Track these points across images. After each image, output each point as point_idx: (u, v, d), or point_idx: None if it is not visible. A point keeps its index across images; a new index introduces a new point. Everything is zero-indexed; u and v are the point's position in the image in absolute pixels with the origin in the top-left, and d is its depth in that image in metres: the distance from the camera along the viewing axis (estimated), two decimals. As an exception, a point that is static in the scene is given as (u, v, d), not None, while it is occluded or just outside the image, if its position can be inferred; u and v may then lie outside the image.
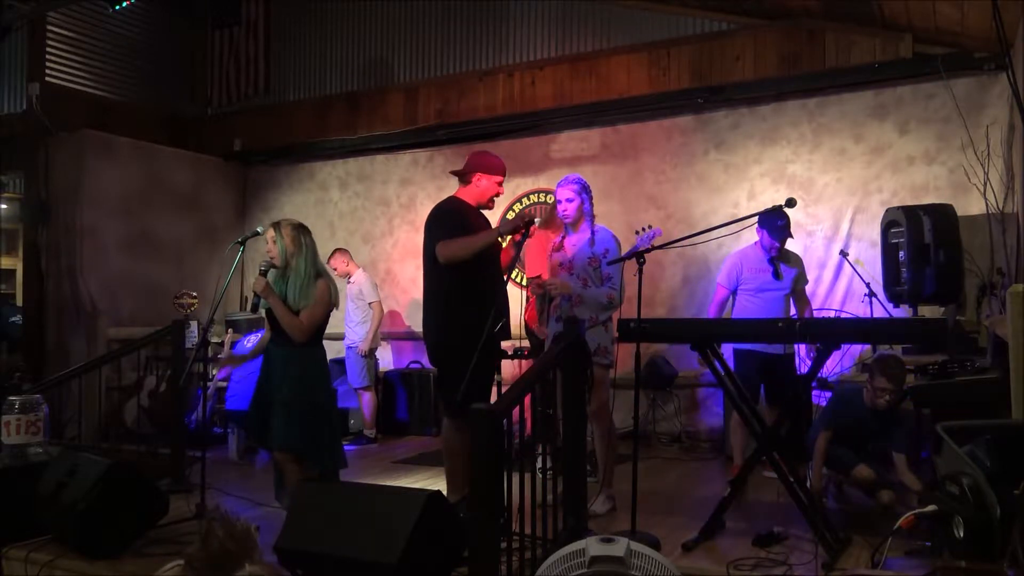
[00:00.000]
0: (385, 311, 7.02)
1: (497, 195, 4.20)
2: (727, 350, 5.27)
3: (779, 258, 4.88)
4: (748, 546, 3.52)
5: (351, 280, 6.69)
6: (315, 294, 3.96)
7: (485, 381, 3.69)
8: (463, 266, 3.88)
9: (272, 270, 4.04)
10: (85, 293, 7.29)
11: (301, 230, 4.05)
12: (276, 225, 4.06)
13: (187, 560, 1.34)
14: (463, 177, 4.17)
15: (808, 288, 6.18)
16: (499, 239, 4.05)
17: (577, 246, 4.23)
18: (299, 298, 3.95)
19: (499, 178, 4.16)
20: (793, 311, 5.02)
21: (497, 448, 2.76)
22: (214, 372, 6.55)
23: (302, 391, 3.94)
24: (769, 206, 3.97)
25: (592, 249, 4.18)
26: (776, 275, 4.83)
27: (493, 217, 7.32)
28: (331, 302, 4.06)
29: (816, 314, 5.98)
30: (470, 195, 4.14)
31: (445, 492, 4.05)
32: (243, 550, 1.36)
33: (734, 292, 4.99)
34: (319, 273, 4.06)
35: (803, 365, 5.72)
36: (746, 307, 4.89)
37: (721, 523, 3.72)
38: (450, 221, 4.00)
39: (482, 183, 4.11)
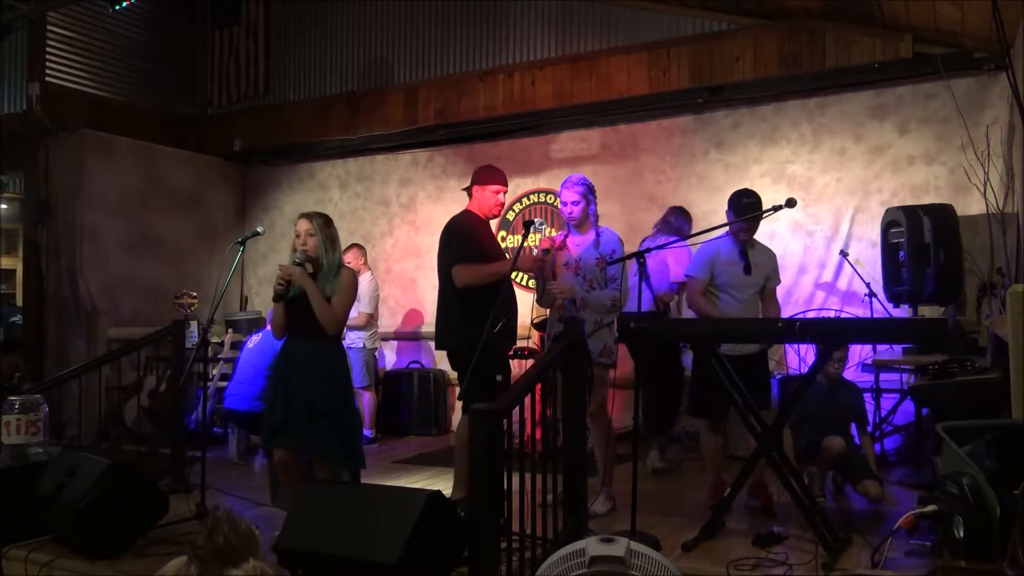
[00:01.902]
0: (379, 313, 7.00)
1: (500, 205, 4.40)
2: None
3: (750, 249, 4.32)
4: (748, 546, 3.52)
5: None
6: (341, 283, 3.83)
7: (490, 380, 3.74)
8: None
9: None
10: (85, 293, 7.29)
11: (331, 222, 3.98)
12: (309, 216, 3.93)
13: (192, 551, 1.34)
14: (469, 191, 4.41)
15: (808, 288, 6.21)
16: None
17: (582, 247, 4.22)
18: (329, 289, 3.82)
19: (497, 187, 4.35)
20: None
21: (497, 448, 2.76)
22: (214, 372, 6.55)
23: (329, 389, 3.79)
24: (769, 206, 3.95)
25: (598, 251, 4.17)
26: (747, 269, 4.29)
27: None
28: (356, 292, 3.99)
29: (816, 314, 6.00)
30: (477, 207, 4.36)
31: (451, 489, 4.07)
32: (247, 546, 1.37)
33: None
34: (342, 263, 3.96)
35: (803, 366, 5.74)
36: (711, 303, 4.39)
37: (721, 523, 3.72)
38: (464, 241, 4.18)
39: (482, 195, 4.33)
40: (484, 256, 4.17)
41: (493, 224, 7.23)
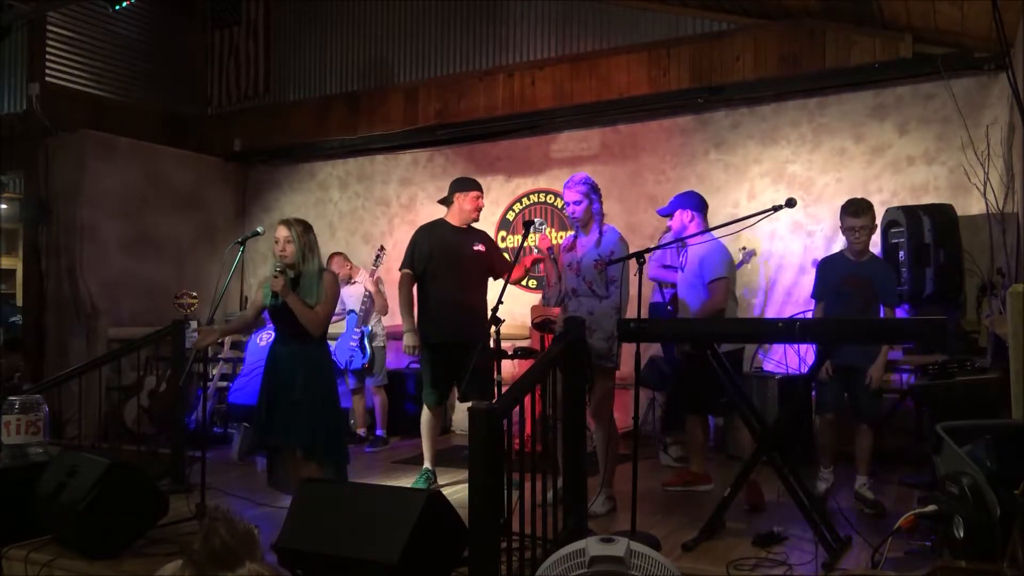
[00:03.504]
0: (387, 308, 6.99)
1: (477, 208, 4.91)
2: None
3: (694, 246, 4.44)
4: (748, 546, 3.52)
5: (355, 281, 6.66)
6: (324, 288, 3.99)
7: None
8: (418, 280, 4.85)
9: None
10: (85, 293, 7.29)
11: (310, 228, 4.08)
12: (288, 223, 4.03)
13: (188, 556, 1.34)
14: (447, 201, 4.95)
15: (808, 288, 6.16)
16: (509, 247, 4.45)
17: (586, 247, 4.23)
18: (312, 294, 3.96)
19: (474, 192, 4.90)
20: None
21: (497, 448, 2.76)
22: (214, 372, 6.55)
23: (312, 388, 3.95)
24: (769, 206, 3.95)
25: (598, 251, 4.17)
26: (681, 267, 4.49)
27: (493, 218, 7.37)
28: (338, 294, 4.17)
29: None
30: (454, 215, 4.92)
31: (451, 488, 4.14)
32: (245, 549, 1.36)
33: None
34: (323, 268, 4.11)
35: (803, 365, 5.73)
36: None
37: (721, 523, 3.72)
38: (408, 248, 4.90)
39: (460, 201, 4.86)
40: (418, 264, 4.82)
41: (492, 225, 7.33)
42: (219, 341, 6.92)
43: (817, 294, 4.40)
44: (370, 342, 6.48)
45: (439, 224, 4.96)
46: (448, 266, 4.78)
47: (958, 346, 4.83)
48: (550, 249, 4.49)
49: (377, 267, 6.51)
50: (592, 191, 4.21)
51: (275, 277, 3.92)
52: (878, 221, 5.48)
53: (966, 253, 5.12)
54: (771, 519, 3.95)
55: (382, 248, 6.65)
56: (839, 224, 4.41)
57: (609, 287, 4.14)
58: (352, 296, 6.61)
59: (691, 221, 4.49)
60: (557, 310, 4.47)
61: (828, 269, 4.36)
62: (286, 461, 4.09)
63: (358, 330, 6.47)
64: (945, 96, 5.66)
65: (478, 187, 4.98)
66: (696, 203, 4.56)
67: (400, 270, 4.91)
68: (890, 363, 5.45)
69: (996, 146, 5.37)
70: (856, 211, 4.19)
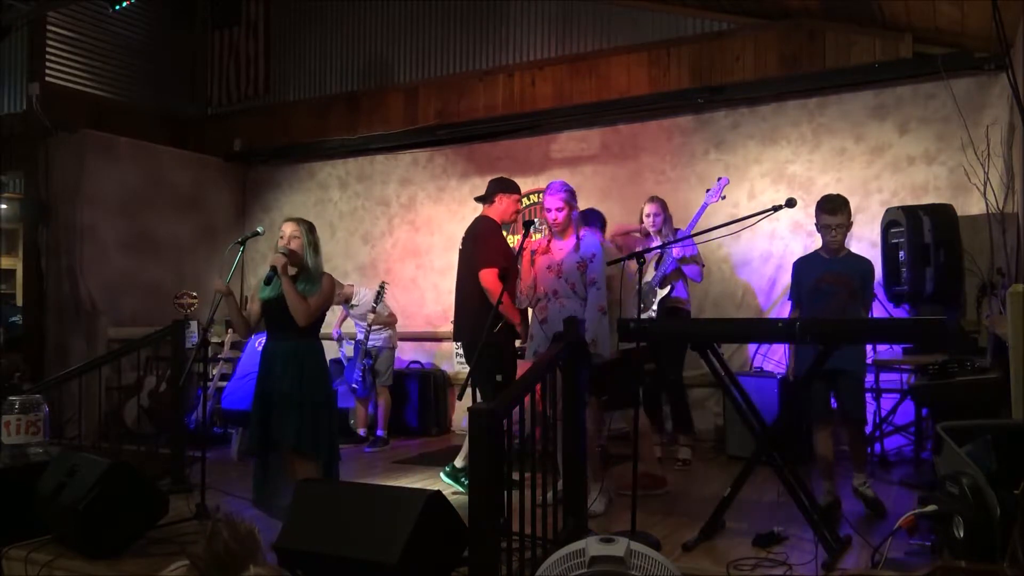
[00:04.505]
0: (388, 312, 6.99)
1: (517, 211, 4.92)
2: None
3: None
4: (748, 546, 3.52)
5: (355, 303, 6.63)
6: (322, 288, 4.03)
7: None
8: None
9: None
10: (85, 293, 7.30)
11: (315, 229, 4.15)
12: (297, 220, 4.12)
13: (191, 560, 1.34)
14: (487, 199, 4.85)
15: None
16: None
17: (565, 250, 4.31)
18: (308, 289, 4.00)
19: (517, 195, 4.90)
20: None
21: (497, 448, 2.76)
22: (214, 372, 6.55)
23: (304, 385, 3.95)
24: (769, 206, 3.96)
25: (578, 254, 4.25)
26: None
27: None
28: (333, 296, 4.20)
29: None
30: (495, 213, 4.83)
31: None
32: (247, 552, 1.36)
33: None
34: (323, 272, 4.13)
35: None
36: None
37: (721, 523, 3.72)
38: (495, 245, 4.67)
39: (504, 202, 4.80)
40: (506, 261, 4.55)
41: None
42: (221, 341, 6.94)
43: (794, 296, 4.34)
44: (373, 367, 6.49)
45: (496, 223, 4.82)
46: (514, 269, 4.61)
47: (958, 346, 4.82)
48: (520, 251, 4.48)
49: (378, 304, 6.43)
50: (571, 198, 4.32)
51: (279, 254, 3.95)
52: (878, 221, 5.52)
53: (966, 253, 5.12)
54: (771, 519, 3.95)
55: (383, 285, 6.55)
56: (815, 221, 4.31)
57: (590, 288, 4.20)
58: (358, 315, 6.59)
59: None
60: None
61: (804, 269, 4.28)
62: (284, 462, 4.04)
63: (362, 363, 6.44)
64: (945, 96, 5.66)
65: (520, 190, 4.98)
66: (594, 219, 4.91)
67: (489, 267, 4.58)
68: (890, 363, 5.48)
69: (996, 146, 5.37)
70: (832, 208, 4.10)
